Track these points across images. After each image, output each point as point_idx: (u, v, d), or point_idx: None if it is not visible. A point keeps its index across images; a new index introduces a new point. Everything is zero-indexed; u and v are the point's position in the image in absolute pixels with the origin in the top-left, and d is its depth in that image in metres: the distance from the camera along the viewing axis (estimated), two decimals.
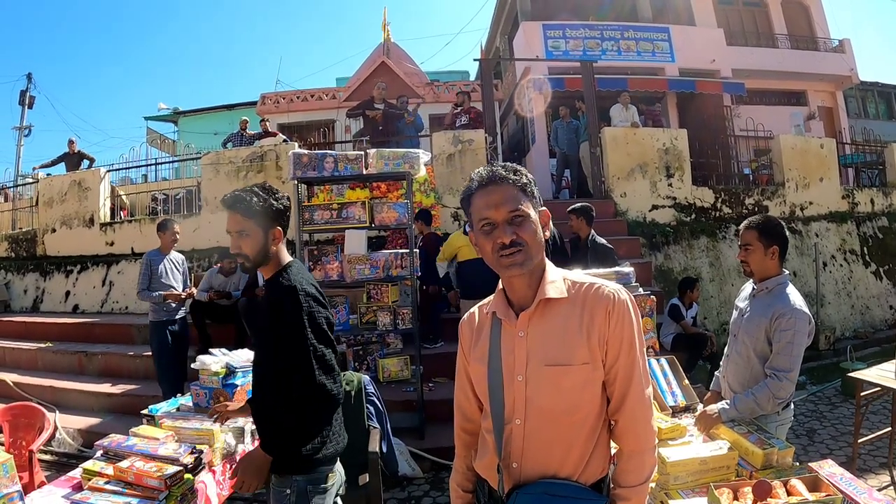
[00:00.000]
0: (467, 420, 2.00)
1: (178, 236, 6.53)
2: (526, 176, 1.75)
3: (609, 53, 14.98)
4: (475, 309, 1.95)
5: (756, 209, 10.55)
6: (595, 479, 1.73)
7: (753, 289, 3.18)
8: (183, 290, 6.45)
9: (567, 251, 6.76)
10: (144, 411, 3.75)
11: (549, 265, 1.79)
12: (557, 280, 1.76)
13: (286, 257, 2.76)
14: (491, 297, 1.88)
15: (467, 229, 1.86)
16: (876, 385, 4.75)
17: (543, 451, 1.71)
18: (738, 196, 10.77)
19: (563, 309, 1.73)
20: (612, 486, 1.77)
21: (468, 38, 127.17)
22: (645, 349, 1.79)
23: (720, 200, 10.61)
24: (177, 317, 6.48)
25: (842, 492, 2.10)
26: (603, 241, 6.41)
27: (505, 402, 1.75)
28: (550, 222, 1.84)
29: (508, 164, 1.78)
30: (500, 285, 1.83)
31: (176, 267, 6.52)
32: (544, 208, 1.79)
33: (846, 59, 17.09)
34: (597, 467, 1.74)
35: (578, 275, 1.84)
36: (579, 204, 6.61)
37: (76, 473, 3.12)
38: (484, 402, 1.85)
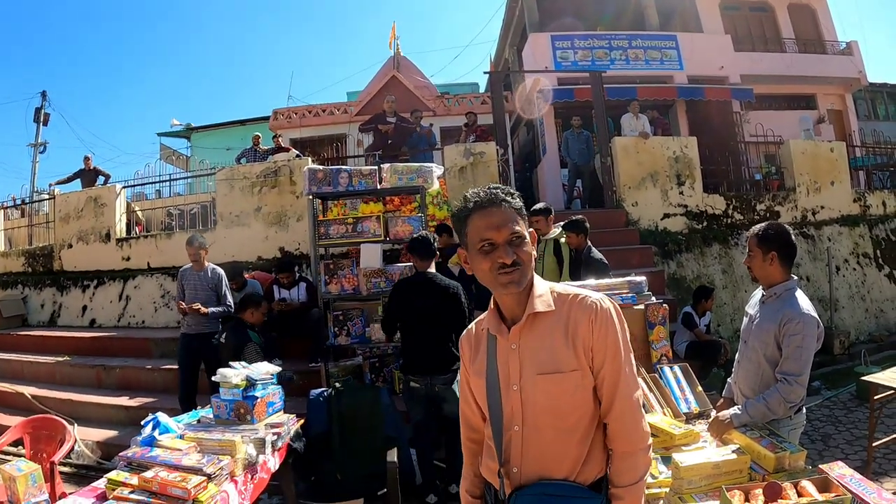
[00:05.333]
0: (472, 430, 2.10)
1: (200, 254, 6.52)
2: (519, 198, 1.85)
3: (618, 63, 14.95)
4: (472, 325, 2.07)
5: (768, 215, 10.54)
6: (593, 478, 1.82)
7: (763, 295, 3.20)
8: (187, 305, 6.36)
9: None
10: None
11: (537, 279, 1.88)
12: (545, 294, 1.86)
13: None
14: (486, 313, 1.98)
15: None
16: (890, 388, 4.77)
17: (541, 455, 1.81)
18: (749, 202, 10.76)
19: (551, 320, 1.83)
20: (608, 485, 1.85)
21: (478, 50, 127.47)
22: (632, 354, 1.87)
23: (732, 207, 10.60)
24: (196, 332, 6.48)
25: (851, 492, 2.13)
26: (599, 255, 6.20)
27: (503, 410, 1.85)
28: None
29: (501, 186, 1.86)
30: (491, 303, 1.93)
31: (203, 283, 6.53)
32: (532, 229, 1.87)
33: (854, 60, 16.99)
34: (594, 468, 1.82)
35: (564, 286, 1.94)
36: (572, 219, 6.39)
37: (100, 484, 3.21)
38: (485, 412, 1.95)
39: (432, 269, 5.02)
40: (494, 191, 1.81)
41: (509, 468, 1.84)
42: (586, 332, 1.78)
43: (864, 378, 5.47)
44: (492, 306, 1.93)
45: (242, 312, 5.72)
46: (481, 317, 2.02)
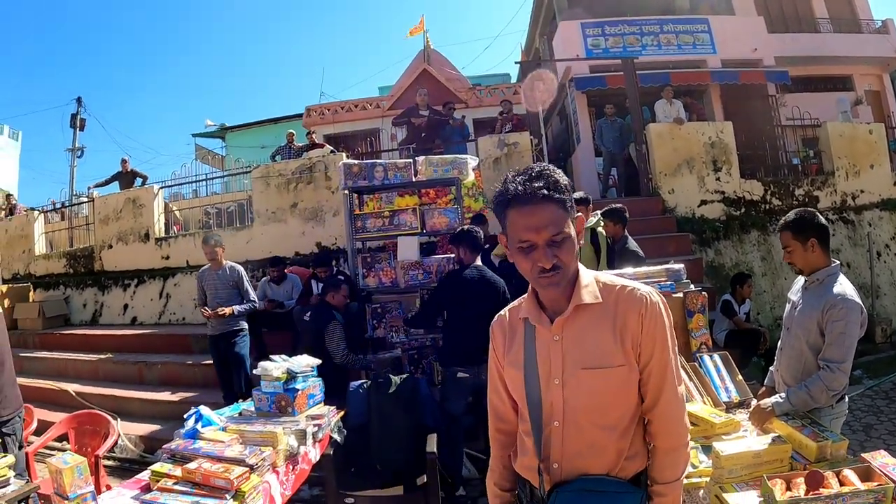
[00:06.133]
0: (502, 421, 2.01)
1: (216, 252, 6.47)
2: (565, 188, 1.69)
3: (649, 48, 14.73)
4: (505, 312, 1.96)
5: (806, 200, 10.36)
6: (633, 473, 1.77)
7: (805, 281, 3.16)
8: (214, 309, 6.32)
9: None
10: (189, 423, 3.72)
11: (582, 268, 1.79)
12: (591, 284, 1.77)
13: None
14: (521, 298, 1.90)
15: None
16: None
17: (582, 451, 1.74)
18: (787, 187, 10.58)
19: (597, 312, 1.74)
20: (648, 481, 1.80)
21: (508, 41, 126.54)
22: (676, 348, 1.81)
23: (769, 193, 10.44)
24: (220, 332, 6.51)
25: (894, 481, 2.11)
26: (635, 246, 6.13)
27: (542, 405, 1.78)
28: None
29: (546, 170, 1.70)
30: (529, 289, 1.84)
31: (223, 282, 6.49)
32: (579, 214, 1.77)
33: (891, 39, 16.49)
34: (635, 462, 1.77)
35: (610, 276, 1.86)
36: (612, 207, 6.40)
37: (144, 476, 3.28)
38: (521, 406, 1.87)
39: (478, 262, 5.19)
40: (536, 184, 1.64)
41: (549, 464, 1.77)
42: (636, 325, 1.70)
43: None
44: (530, 292, 1.83)
45: (325, 296, 5.86)
46: (515, 303, 1.93)
